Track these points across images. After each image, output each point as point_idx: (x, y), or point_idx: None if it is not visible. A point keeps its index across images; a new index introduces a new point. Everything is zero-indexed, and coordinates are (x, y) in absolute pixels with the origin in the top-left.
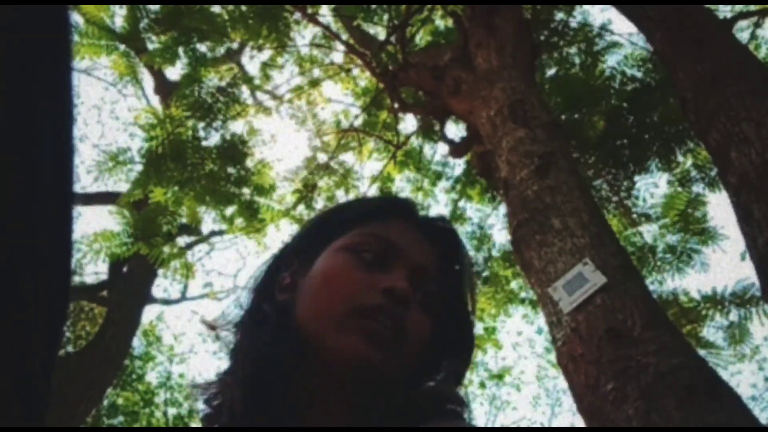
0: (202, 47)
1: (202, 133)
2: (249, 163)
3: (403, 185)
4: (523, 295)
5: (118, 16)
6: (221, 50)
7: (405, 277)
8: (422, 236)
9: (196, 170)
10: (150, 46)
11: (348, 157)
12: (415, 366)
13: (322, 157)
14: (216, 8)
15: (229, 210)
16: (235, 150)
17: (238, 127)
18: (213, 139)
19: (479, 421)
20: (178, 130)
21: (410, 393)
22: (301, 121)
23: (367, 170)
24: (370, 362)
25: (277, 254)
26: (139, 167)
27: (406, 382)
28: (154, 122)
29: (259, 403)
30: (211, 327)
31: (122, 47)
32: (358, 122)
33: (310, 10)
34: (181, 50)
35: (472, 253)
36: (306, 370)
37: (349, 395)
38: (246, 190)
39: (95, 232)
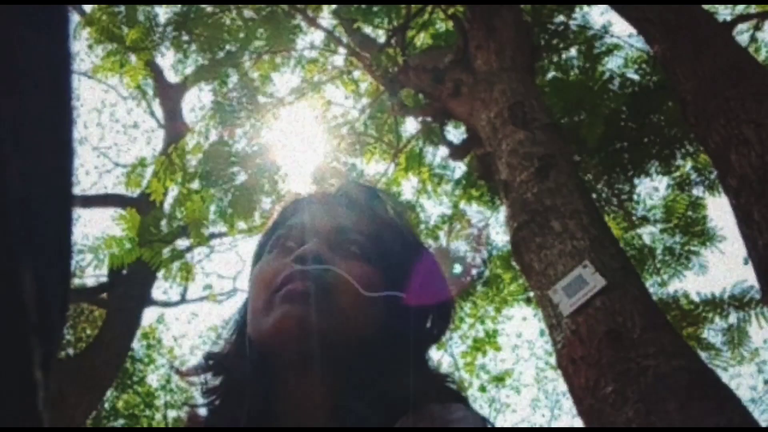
0: (214, 57)
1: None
2: (277, 172)
3: (406, 187)
4: (525, 295)
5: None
6: (221, 54)
7: (315, 243)
8: (339, 207)
9: (229, 182)
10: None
11: (350, 159)
12: (380, 322)
13: (323, 161)
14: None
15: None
16: (265, 159)
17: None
18: (236, 145)
19: None
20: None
21: (397, 372)
22: (303, 125)
23: (372, 173)
24: (292, 319)
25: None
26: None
27: (382, 346)
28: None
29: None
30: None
31: (133, 59)
32: (359, 125)
33: (311, 14)
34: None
35: (471, 255)
36: (276, 379)
37: (325, 382)
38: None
39: (98, 238)
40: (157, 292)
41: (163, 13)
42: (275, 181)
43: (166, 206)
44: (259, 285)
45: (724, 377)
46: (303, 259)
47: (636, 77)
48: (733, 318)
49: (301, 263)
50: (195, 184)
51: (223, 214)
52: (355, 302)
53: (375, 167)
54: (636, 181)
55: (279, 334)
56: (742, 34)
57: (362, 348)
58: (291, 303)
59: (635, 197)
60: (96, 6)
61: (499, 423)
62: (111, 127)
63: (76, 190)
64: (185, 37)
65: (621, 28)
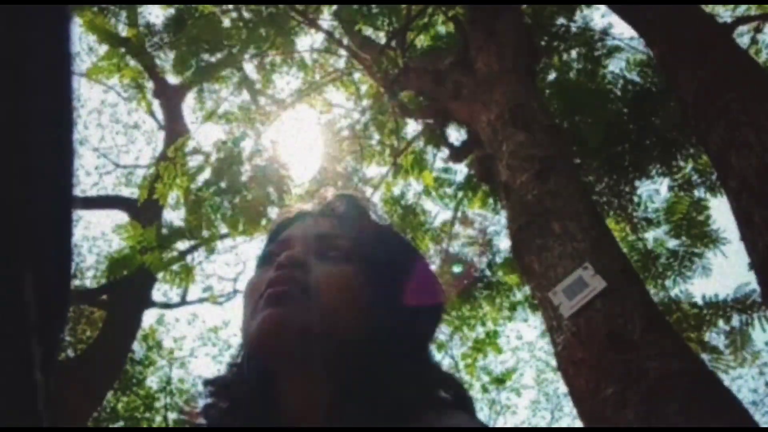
0: (212, 58)
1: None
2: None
3: (407, 188)
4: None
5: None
6: (219, 55)
7: (296, 249)
8: (323, 218)
9: (240, 195)
10: (153, 52)
11: (351, 162)
12: (371, 322)
13: (323, 162)
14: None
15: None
16: (273, 171)
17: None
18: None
19: None
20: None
21: (395, 374)
22: (304, 128)
23: (375, 175)
24: (273, 320)
25: None
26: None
27: (376, 348)
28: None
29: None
30: None
31: (131, 61)
32: (359, 128)
33: (311, 15)
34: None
35: (474, 257)
36: (274, 385)
37: (321, 385)
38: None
39: (111, 257)
40: (157, 293)
41: (162, 14)
42: (282, 190)
43: (166, 205)
44: (248, 297)
45: (726, 380)
46: (283, 264)
47: (637, 79)
48: (735, 321)
49: (281, 268)
50: (196, 186)
51: (230, 221)
52: (338, 300)
53: (376, 170)
54: (637, 183)
55: (263, 337)
56: (742, 36)
57: (355, 349)
58: (272, 305)
59: (636, 199)
60: (94, 7)
61: (500, 425)
62: (111, 128)
63: (77, 191)
64: (184, 39)
65: (622, 30)
